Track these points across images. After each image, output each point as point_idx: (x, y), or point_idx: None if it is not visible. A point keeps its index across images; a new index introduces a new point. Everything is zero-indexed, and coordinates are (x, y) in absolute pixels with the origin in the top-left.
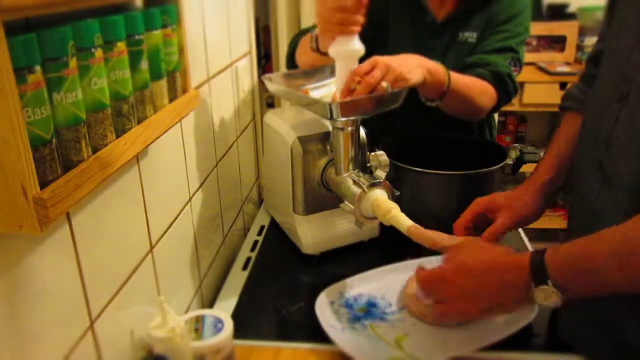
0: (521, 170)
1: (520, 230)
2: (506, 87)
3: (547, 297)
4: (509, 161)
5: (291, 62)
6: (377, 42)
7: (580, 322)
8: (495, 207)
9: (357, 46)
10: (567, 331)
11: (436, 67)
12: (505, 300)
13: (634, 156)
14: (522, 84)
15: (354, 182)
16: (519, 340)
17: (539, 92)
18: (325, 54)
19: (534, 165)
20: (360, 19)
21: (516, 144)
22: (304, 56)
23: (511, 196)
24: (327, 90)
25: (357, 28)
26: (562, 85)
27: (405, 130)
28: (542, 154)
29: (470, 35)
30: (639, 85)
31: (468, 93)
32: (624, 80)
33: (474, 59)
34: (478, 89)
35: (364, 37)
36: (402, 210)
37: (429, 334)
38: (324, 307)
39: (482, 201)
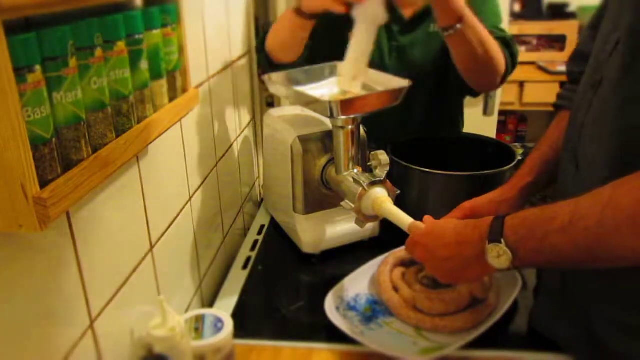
0: None
1: None
2: (512, 50)
3: (499, 255)
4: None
5: (261, 46)
6: (340, 41)
7: (555, 311)
8: (478, 215)
9: (382, 11)
10: (540, 319)
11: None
12: (462, 258)
13: (601, 142)
14: (522, 83)
15: (355, 180)
16: (516, 340)
17: (538, 92)
18: (308, 18)
19: None
20: None
21: (516, 143)
22: (280, 27)
23: (493, 201)
24: (327, 89)
25: None
26: (562, 85)
27: (390, 131)
28: None
29: None
30: (610, 71)
31: (483, 37)
32: (598, 68)
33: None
34: (492, 39)
35: (326, 38)
36: (410, 211)
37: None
38: (335, 315)
39: (466, 207)
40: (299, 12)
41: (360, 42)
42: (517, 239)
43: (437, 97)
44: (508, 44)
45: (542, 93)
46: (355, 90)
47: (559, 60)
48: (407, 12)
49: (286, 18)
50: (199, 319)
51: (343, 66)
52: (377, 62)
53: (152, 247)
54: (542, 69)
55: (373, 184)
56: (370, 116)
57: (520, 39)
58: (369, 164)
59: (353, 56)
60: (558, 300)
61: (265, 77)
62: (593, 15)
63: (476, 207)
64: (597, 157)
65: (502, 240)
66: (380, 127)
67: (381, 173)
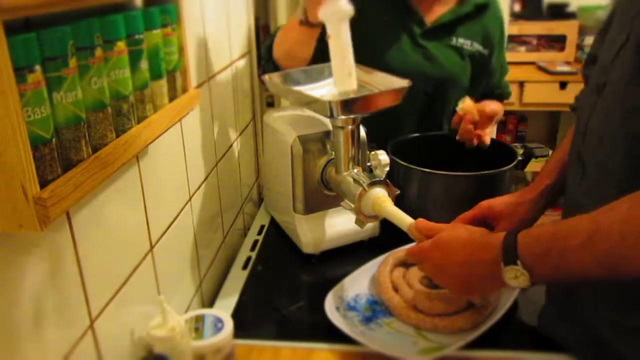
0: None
1: None
2: (507, 98)
3: (517, 277)
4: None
5: (267, 55)
6: (360, 42)
7: (562, 316)
8: (495, 214)
9: (345, 6)
10: (548, 324)
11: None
12: (474, 276)
13: (605, 147)
14: (522, 83)
15: (354, 180)
16: (516, 340)
17: (539, 92)
18: (315, 26)
19: (543, 161)
20: None
21: (516, 143)
22: (288, 37)
23: (511, 202)
24: (326, 89)
25: None
26: (562, 85)
27: (390, 131)
28: (550, 152)
29: (466, 43)
30: (615, 75)
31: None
32: (603, 71)
33: (499, 91)
34: (500, 114)
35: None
36: (410, 211)
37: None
38: (335, 315)
39: (484, 206)
40: (304, 22)
41: (339, 42)
42: (533, 259)
43: (450, 102)
44: (505, 96)
45: (542, 93)
46: (352, 87)
47: (559, 60)
48: (429, 18)
49: (292, 29)
50: (199, 319)
51: (334, 68)
52: (398, 61)
53: (152, 247)
54: (542, 69)
55: (373, 184)
56: (370, 116)
57: (520, 39)
58: (369, 164)
59: (339, 56)
60: (563, 302)
61: (265, 77)
62: (604, 19)
63: (494, 207)
64: (601, 163)
65: (518, 262)
66: (380, 127)
67: (381, 173)
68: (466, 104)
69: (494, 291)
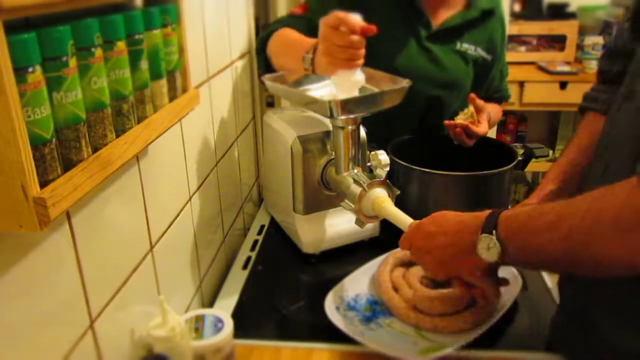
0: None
1: None
2: (506, 100)
3: (489, 247)
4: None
5: (261, 46)
6: (366, 42)
7: (569, 325)
8: None
9: (359, 77)
10: (556, 334)
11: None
12: (455, 246)
13: (630, 149)
14: (522, 83)
15: (355, 181)
16: (516, 340)
17: (539, 92)
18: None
19: (543, 161)
20: (364, 52)
21: (516, 143)
22: (286, 62)
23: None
24: (327, 90)
25: (362, 61)
26: (562, 85)
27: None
28: (551, 152)
29: (470, 48)
30: None
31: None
32: (637, 75)
33: (499, 94)
34: (499, 116)
35: None
36: (410, 211)
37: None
38: (335, 315)
39: None
40: (309, 72)
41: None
42: (507, 234)
43: (451, 105)
44: (505, 98)
45: (542, 93)
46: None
47: (559, 60)
48: (436, 21)
49: (291, 48)
50: (199, 319)
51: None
52: (403, 63)
53: (152, 247)
54: (542, 69)
55: (373, 184)
56: (370, 116)
57: (520, 39)
58: (369, 164)
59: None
60: (572, 314)
61: (265, 78)
62: (634, 7)
63: None
64: (627, 166)
65: (494, 232)
66: (380, 127)
67: (381, 173)
68: (467, 116)
69: (468, 273)
